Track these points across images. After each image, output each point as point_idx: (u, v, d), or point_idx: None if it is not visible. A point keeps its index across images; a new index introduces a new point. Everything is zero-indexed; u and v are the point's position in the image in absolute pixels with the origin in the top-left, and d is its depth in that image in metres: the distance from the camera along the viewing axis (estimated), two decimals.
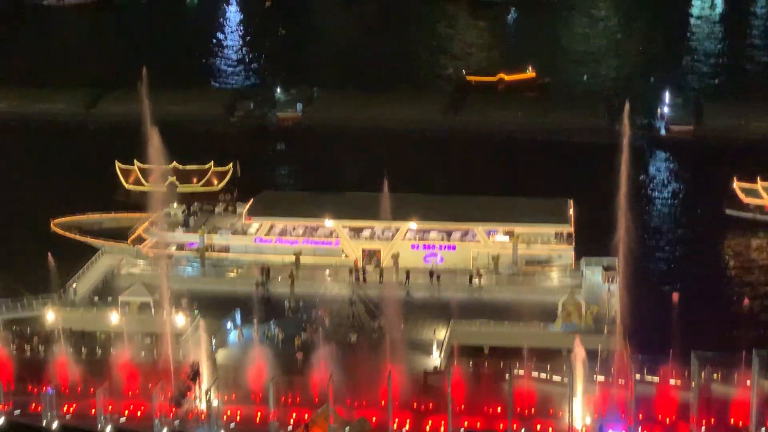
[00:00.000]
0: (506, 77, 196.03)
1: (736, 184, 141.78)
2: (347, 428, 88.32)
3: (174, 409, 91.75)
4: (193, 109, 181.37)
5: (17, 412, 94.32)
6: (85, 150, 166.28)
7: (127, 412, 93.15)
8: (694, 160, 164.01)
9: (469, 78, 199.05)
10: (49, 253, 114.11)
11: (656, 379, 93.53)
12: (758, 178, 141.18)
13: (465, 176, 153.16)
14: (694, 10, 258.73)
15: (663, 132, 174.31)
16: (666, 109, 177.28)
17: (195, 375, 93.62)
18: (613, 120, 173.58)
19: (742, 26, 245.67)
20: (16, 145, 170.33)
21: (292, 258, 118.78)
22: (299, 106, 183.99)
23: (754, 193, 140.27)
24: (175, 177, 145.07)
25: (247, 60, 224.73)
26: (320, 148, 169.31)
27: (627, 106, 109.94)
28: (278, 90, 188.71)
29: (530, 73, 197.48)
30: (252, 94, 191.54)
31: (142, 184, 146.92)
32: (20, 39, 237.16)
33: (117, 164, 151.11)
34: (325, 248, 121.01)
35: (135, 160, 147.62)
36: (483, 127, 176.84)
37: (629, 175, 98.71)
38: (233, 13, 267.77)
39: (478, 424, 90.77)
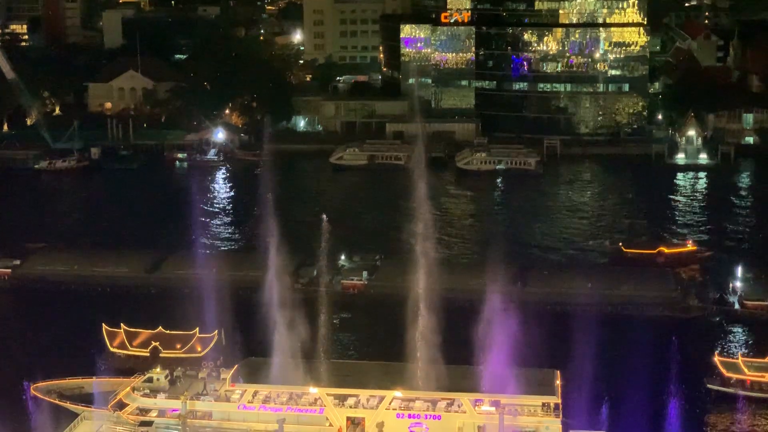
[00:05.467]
0: (666, 250, 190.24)
1: (717, 359, 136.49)
2: None
3: None
4: (255, 277, 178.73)
5: None
6: (116, 314, 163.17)
7: None
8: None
9: (626, 250, 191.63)
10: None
11: None
12: (739, 354, 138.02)
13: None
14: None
15: (737, 307, 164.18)
16: (738, 284, 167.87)
17: None
18: (685, 294, 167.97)
19: None
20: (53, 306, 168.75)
21: (275, 426, 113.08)
22: (365, 273, 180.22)
23: (734, 368, 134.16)
24: (158, 342, 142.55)
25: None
26: (381, 316, 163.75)
27: None
28: (342, 257, 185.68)
29: (691, 246, 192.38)
30: (315, 260, 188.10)
31: (127, 348, 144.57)
32: (29, 200, 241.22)
33: (104, 327, 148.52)
34: (309, 416, 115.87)
35: (122, 324, 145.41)
36: (548, 298, 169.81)
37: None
38: (221, 182, 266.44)
39: None
